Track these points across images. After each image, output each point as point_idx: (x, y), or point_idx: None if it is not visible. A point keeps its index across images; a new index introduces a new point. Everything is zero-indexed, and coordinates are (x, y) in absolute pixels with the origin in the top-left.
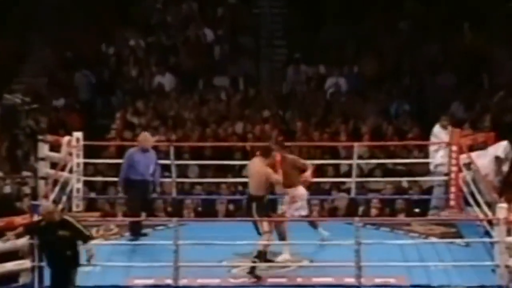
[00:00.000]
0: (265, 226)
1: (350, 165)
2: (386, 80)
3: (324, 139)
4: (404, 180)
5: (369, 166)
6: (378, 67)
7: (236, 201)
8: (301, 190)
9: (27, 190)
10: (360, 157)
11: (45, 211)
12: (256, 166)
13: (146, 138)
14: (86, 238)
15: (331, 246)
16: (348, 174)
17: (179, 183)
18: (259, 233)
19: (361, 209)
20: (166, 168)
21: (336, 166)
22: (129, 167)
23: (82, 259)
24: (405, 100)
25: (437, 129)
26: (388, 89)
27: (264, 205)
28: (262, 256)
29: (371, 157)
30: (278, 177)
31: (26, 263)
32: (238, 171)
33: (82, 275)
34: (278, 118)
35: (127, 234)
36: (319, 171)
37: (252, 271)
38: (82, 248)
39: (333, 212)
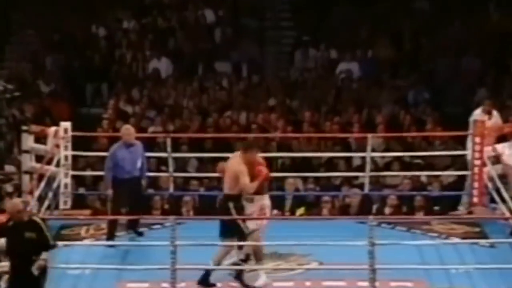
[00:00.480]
0: (251, 223)
1: (364, 159)
2: (404, 65)
3: (335, 130)
4: (423, 175)
5: (384, 160)
6: (394, 50)
7: None
8: (268, 200)
9: (9, 188)
10: (374, 150)
11: (13, 209)
12: (232, 162)
13: (129, 131)
14: (48, 247)
15: (343, 247)
16: (361, 168)
17: (177, 178)
18: (225, 235)
19: (375, 206)
20: (162, 161)
21: (348, 160)
22: (114, 166)
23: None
24: (424, 87)
25: (478, 114)
26: (405, 74)
27: (243, 206)
28: (248, 259)
29: (387, 149)
30: (246, 180)
31: (6, 266)
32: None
33: (69, 279)
34: (284, 107)
35: (122, 233)
36: (330, 164)
37: (239, 276)
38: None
39: (344, 210)
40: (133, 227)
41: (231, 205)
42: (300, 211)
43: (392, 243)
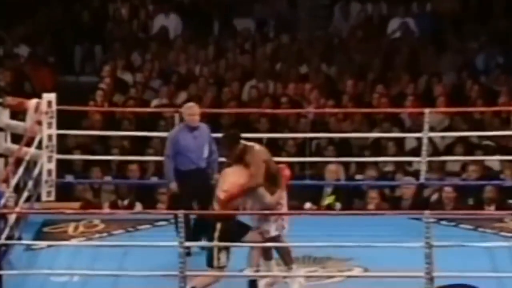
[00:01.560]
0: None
1: (419, 140)
2: (471, 21)
3: (383, 103)
4: (495, 160)
5: (445, 141)
6: (459, 3)
7: None
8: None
9: None
10: (433, 129)
11: None
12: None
13: (193, 110)
14: None
15: (392, 250)
16: (416, 152)
17: None
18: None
19: (433, 199)
20: None
21: (400, 141)
22: (176, 155)
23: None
24: (497, 49)
25: None
26: (473, 34)
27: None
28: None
29: (449, 128)
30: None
31: None
32: (266, 145)
33: (55, 286)
34: (320, 75)
35: (118, 232)
36: (377, 147)
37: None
38: None
39: (395, 203)
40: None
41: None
42: (329, 199)
43: (454, 244)
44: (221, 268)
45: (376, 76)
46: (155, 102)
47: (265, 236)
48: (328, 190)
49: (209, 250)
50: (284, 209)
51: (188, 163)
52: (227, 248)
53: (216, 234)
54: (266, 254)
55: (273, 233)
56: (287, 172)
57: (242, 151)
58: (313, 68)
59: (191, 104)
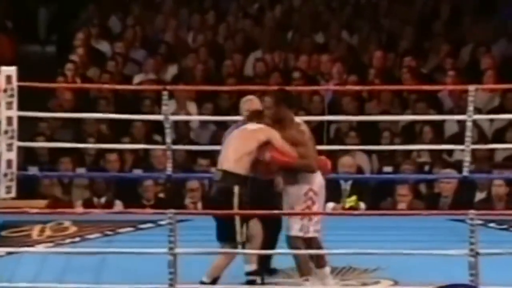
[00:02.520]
0: (254, 228)
1: (462, 124)
2: None
3: (417, 79)
4: None
5: (495, 125)
6: None
7: None
8: (320, 177)
9: None
10: (479, 110)
11: None
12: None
13: (254, 103)
14: None
15: (429, 258)
16: (458, 139)
17: (178, 152)
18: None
19: (479, 195)
20: (155, 127)
21: (438, 126)
22: None
23: None
24: None
25: None
26: None
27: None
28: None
29: (499, 109)
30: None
31: None
32: None
33: None
34: (341, 44)
35: (93, 236)
36: (410, 133)
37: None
38: None
39: (433, 201)
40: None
41: (235, 190)
42: (351, 202)
43: (505, 252)
44: (252, 240)
45: (409, 46)
46: (138, 77)
47: (305, 235)
48: (347, 187)
49: (230, 223)
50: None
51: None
52: (247, 220)
53: (235, 200)
54: (318, 259)
55: (312, 233)
56: (328, 165)
57: (288, 119)
58: (332, 37)
59: (251, 97)
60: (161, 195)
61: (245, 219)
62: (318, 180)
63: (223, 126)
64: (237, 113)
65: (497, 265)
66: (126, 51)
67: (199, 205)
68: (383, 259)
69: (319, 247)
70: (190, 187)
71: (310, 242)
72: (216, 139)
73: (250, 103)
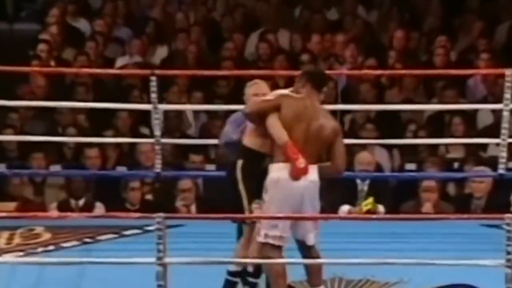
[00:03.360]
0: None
1: (498, 114)
2: None
3: (446, 62)
4: None
5: None
6: None
7: None
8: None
9: None
10: None
11: None
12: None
13: (259, 88)
14: None
15: (459, 269)
16: (493, 131)
17: (168, 147)
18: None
19: None
20: (142, 118)
21: (470, 116)
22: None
23: None
24: None
25: None
26: None
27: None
28: (242, 276)
29: None
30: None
31: None
32: None
33: None
34: (356, 21)
35: (70, 244)
36: (437, 124)
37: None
38: None
39: (463, 203)
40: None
41: (238, 163)
42: (368, 204)
43: None
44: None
45: (436, 24)
46: (122, 61)
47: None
48: (364, 188)
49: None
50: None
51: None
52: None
53: (239, 175)
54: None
55: (263, 238)
56: (298, 170)
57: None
58: (347, 13)
59: (257, 80)
60: (149, 196)
61: (252, 197)
62: (276, 174)
63: (217, 117)
64: (235, 101)
65: None
66: (108, 29)
67: (193, 208)
68: (405, 271)
69: (271, 258)
70: (182, 187)
71: (260, 249)
72: (209, 131)
73: (257, 87)
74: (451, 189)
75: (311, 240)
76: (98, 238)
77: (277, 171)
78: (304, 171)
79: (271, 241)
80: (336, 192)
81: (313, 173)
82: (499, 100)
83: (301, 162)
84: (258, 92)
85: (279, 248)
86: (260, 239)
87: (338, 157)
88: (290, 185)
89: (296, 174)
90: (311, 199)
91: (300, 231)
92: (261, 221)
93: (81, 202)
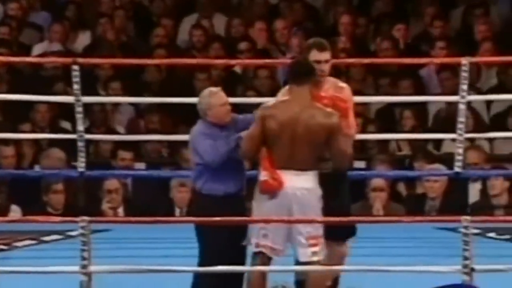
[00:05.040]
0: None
1: (452, 106)
2: None
3: (396, 51)
4: None
5: (494, 108)
6: None
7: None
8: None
9: None
10: (474, 87)
11: None
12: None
13: (220, 98)
14: None
15: (411, 276)
16: (447, 126)
17: (93, 144)
18: None
19: (475, 197)
20: (65, 112)
21: (422, 109)
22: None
23: None
24: None
25: None
26: None
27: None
28: None
29: (498, 88)
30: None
31: None
32: None
33: None
34: (298, 5)
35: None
36: (383, 118)
37: None
38: None
39: (416, 204)
40: None
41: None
42: None
43: (506, 268)
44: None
45: (385, 8)
46: (39, 47)
47: None
48: None
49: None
50: None
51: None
52: None
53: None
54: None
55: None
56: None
57: None
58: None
59: (212, 89)
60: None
61: None
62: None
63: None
64: (166, 93)
65: (496, 284)
66: (23, 13)
67: (120, 210)
68: (353, 278)
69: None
70: (108, 188)
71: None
72: (135, 127)
73: (219, 96)
74: (402, 188)
75: (303, 255)
76: (15, 245)
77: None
78: (268, 185)
79: (263, 250)
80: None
81: (304, 180)
82: (454, 92)
83: (263, 175)
84: (223, 101)
85: (269, 260)
86: (252, 248)
87: (334, 155)
88: (279, 194)
89: (261, 189)
90: (303, 208)
91: (292, 245)
92: (251, 228)
93: None
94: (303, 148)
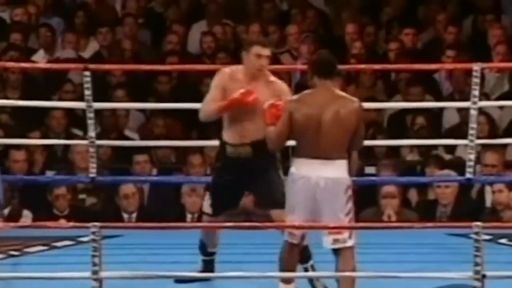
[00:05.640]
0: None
1: (465, 112)
2: None
3: (407, 57)
4: None
5: (507, 114)
6: None
7: None
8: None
9: None
10: (487, 96)
11: None
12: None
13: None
14: None
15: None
16: (459, 132)
17: (103, 149)
18: None
19: (488, 203)
20: (73, 117)
21: (435, 115)
22: None
23: None
24: None
25: None
26: None
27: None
28: None
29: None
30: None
31: None
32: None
33: None
34: (310, 13)
35: None
36: (394, 124)
37: None
38: None
39: (428, 211)
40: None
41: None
42: None
43: None
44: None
45: (395, 14)
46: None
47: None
48: None
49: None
50: None
51: None
52: None
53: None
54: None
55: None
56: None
57: None
58: (298, 3)
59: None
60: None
61: None
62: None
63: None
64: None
65: None
66: (35, 18)
67: (133, 215)
68: (365, 285)
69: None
70: (125, 193)
71: None
72: (147, 131)
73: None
74: (413, 195)
75: (325, 242)
76: (26, 251)
77: (295, 167)
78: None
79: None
80: None
81: (331, 169)
82: (466, 98)
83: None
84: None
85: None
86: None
87: (359, 141)
88: (303, 183)
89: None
90: (327, 197)
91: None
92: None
93: (6, 211)
94: (331, 137)
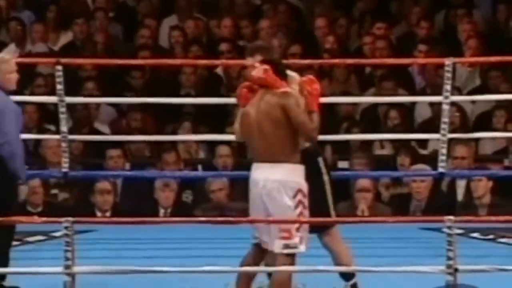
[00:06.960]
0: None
1: (437, 106)
2: None
3: (380, 51)
4: None
5: (478, 108)
6: None
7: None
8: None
9: None
10: (458, 90)
11: None
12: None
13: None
14: None
15: (395, 276)
16: (431, 126)
17: (75, 144)
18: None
19: (460, 197)
20: (46, 112)
21: (407, 109)
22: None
23: None
24: None
25: None
26: None
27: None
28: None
29: (482, 88)
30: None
31: None
32: (198, 115)
33: None
34: (282, 7)
35: None
36: (368, 119)
37: None
38: None
39: (399, 205)
40: None
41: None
42: None
43: (490, 268)
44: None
45: (368, 8)
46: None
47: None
48: None
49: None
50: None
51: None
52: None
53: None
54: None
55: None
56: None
57: None
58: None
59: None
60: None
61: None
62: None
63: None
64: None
65: (480, 284)
66: (6, 12)
67: (107, 209)
68: (337, 279)
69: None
70: (99, 189)
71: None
72: (120, 126)
73: (11, 63)
74: (386, 189)
75: (276, 247)
76: None
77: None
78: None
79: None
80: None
81: (278, 172)
82: (438, 92)
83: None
84: (13, 69)
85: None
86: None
87: (301, 130)
88: (253, 186)
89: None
90: (273, 200)
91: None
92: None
93: None
94: (269, 138)
